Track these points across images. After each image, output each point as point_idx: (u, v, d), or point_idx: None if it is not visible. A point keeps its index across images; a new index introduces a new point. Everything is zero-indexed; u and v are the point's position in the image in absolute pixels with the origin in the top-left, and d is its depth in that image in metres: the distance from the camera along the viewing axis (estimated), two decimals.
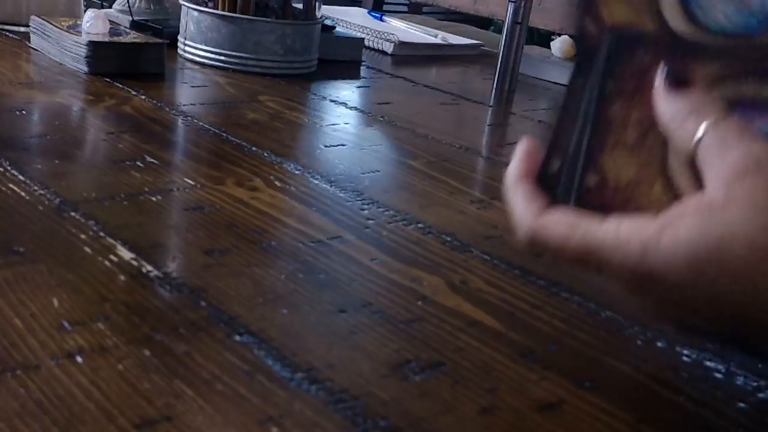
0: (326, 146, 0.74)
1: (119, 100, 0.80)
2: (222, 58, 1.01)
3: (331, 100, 0.94)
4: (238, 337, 0.39)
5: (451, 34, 1.50)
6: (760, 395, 0.40)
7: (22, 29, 1.05)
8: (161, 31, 1.07)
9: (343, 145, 0.75)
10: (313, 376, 0.36)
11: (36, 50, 0.98)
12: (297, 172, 0.65)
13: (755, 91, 0.35)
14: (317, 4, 1.07)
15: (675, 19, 0.35)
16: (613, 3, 0.36)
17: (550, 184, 0.37)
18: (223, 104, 0.85)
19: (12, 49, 0.98)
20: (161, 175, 0.60)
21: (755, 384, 0.40)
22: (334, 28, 1.24)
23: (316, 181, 0.63)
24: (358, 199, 0.60)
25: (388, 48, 1.32)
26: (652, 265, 0.32)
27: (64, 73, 0.89)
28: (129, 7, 1.14)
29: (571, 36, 1.34)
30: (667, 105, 0.35)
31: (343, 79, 1.10)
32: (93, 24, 0.93)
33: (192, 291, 0.43)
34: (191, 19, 1.03)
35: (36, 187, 0.54)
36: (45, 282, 0.42)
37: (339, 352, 0.39)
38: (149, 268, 0.45)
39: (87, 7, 1.11)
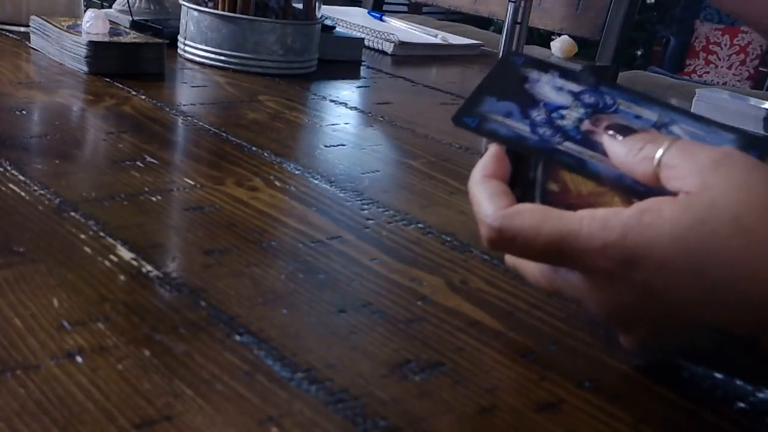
0: (326, 146, 0.74)
1: (119, 100, 0.80)
2: (222, 58, 1.01)
3: (331, 100, 0.94)
4: (238, 337, 0.39)
5: (451, 34, 1.50)
6: (760, 395, 0.40)
7: (22, 29, 1.05)
8: (161, 31, 1.07)
9: (343, 145, 0.75)
10: (313, 376, 0.36)
11: (36, 50, 0.98)
12: (297, 172, 0.65)
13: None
14: (317, 4, 1.07)
15: None
16: None
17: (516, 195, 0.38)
18: (223, 104, 0.85)
19: (12, 49, 0.98)
20: (161, 175, 0.60)
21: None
22: (334, 28, 1.24)
23: (316, 181, 0.63)
24: (358, 199, 0.60)
25: (388, 48, 1.32)
26: (633, 246, 0.32)
27: (64, 73, 0.89)
28: (129, 7, 1.14)
29: (571, 36, 1.34)
30: (619, 146, 0.36)
31: (343, 79, 1.10)
32: (93, 24, 0.93)
33: (192, 291, 0.43)
34: (191, 19, 1.03)
35: (36, 187, 0.54)
36: (45, 282, 0.42)
37: (339, 352, 0.39)
38: (149, 268, 0.45)
39: (87, 7, 1.11)
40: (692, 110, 0.95)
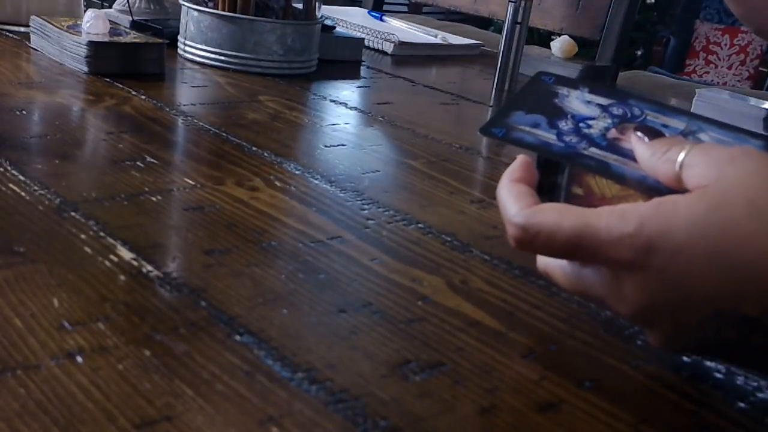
0: (326, 146, 0.74)
1: (119, 100, 0.80)
2: (222, 58, 1.01)
3: (331, 100, 0.94)
4: (238, 337, 0.39)
5: (451, 34, 1.50)
6: (760, 395, 0.40)
7: (22, 29, 1.05)
8: (161, 31, 1.07)
9: (343, 145, 0.75)
10: (313, 376, 0.36)
11: (36, 50, 0.98)
12: (297, 172, 0.65)
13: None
14: (317, 4, 1.07)
15: None
16: None
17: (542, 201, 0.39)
18: (223, 104, 0.85)
19: (12, 49, 0.98)
20: (161, 175, 0.60)
21: (755, 384, 0.40)
22: (334, 28, 1.24)
23: (316, 181, 0.63)
24: (358, 199, 0.60)
25: (388, 48, 1.32)
26: (650, 233, 0.32)
27: (64, 73, 0.89)
28: (129, 7, 1.14)
29: (571, 36, 1.34)
30: (645, 148, 0.37)
31: (343, 79, 1.10)
32: (93, 24, 0.93)
33: (192, 291, 0.43)
34: (191, 19, 1.03)
35: (36, 187, 0.54)
36: (45, 282, 0.42)
37: (339, 352, 0.39)
38: (149, 268, 0.45)
39: (87, 7, 1.11)
40: (692, 110, 0.95)
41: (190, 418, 0.32)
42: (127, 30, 1.00)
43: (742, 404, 0.39)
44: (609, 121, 0.39)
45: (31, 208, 0.51)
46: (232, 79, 0.97)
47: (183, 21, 1.04)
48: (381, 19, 1.60)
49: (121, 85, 0.85)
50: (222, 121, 0.77)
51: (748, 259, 0.31)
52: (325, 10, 1.29)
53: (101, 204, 0.53)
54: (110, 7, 1.20)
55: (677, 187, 0.35)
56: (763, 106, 1.01)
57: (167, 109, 0.79)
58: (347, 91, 1.03)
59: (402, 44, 1.33)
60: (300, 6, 1.07)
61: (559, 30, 1.51)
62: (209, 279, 0.44)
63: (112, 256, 0.46)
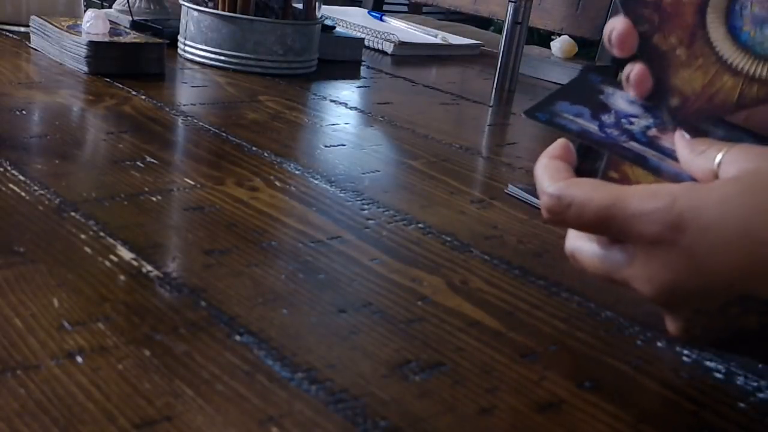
0: (326, 146, 0.74)
1: (119, 100, 0.80)
2: (222, 58, 1.01)
3: (331, 100, 0.94)
4: (238, 337, 0.39)
5: (451, 34, 1.50)
6: (760, 395, 0.40)
7: (22, 29, 1.05)
8: (161, 31, 1.07)
9: (343, 145, 0.75)
10: (313, 376, 0.36)
11: (36, 50, 0.98)
12: (297, 172, 0.65)
13: None
14: (317, 4, 1.07)
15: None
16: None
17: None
18: (223, 104, 0.85)
19: (12, 49, 0.98)
20: (161, 175, 0.60)
21: (755, 384, 0.40)
22: (334, 28, 1.24)
23: (316, 181, 0.63)
24: (358, 199, 0.60)
25: (388, 48, 1.32)
26: (681, 209, 0.33)
27: (64, 73, 0.89)
28: (129, 7, 1.14)
29: (571, 36, 1.34)
30: (685, 144, 0.38)
31: (343, 79, 1.10)
32: (93, 24, 0.93)
33: (192, 291, 0.43)
34: (191, 19, 1.03)
35: (36, 187, 0.54)
36: (45, 282, 0.42)
37: (339, 352, 0.39)
38: (149, 268, 0.45)
39: (87, 7, 1.11)
40: None
41: (190, 418, 0.32)
42: (127, 30, 1.00)
43: (742, 404, 0.39)
44: (651, 120, 0.40)
45: (31, 208, 0.51)
46: (232, 79, 0.97)
47: (183, 21, 1.04)
48: (381, 19, 1.60)
49: (121, 85, 0.85)
50: (222, 121, 0.77)
51: None
52: (325, 10, 1.29)
53: (101, 204, 0.53)
54: (110, 7, 1.20)
55: None
56: None
57: (167, 109, 0.79)
58: (347, 91, 1.03)
59: (402, 44, 1.33)
60: (300, 6, 1.07)
61: (559, 30, 1.51)
62: (209, 279, 0.44)
63: (112, 256, 0.46)
